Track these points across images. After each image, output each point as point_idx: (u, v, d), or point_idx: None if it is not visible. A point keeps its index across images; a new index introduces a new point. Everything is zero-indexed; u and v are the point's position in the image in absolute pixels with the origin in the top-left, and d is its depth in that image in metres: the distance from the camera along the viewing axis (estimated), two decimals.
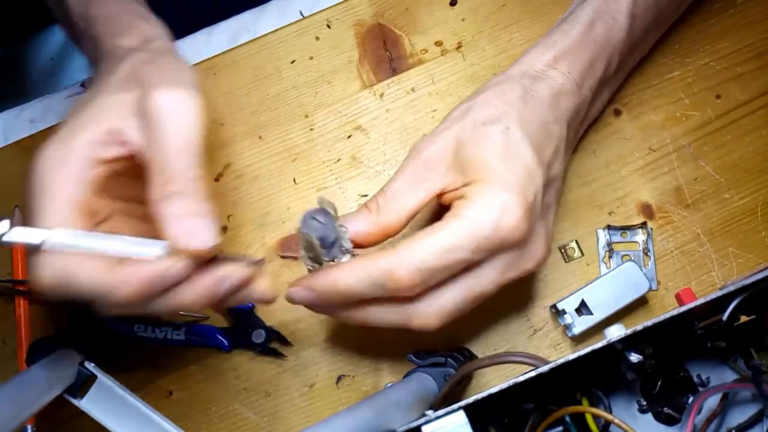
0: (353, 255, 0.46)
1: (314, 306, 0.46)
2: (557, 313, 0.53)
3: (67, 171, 0.41)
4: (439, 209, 0.50)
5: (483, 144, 0.46)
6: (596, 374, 0.44)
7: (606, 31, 0.51)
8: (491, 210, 0.44)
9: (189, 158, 0.41)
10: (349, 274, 0.44)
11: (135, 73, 0.44)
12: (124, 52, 0.46)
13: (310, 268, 0.46)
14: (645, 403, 0.48)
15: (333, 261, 0.46)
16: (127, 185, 0.44)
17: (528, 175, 0.46)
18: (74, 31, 0.52)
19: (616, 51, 0.51)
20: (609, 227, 0.55)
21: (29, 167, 0.41)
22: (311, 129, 0.58)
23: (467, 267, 0.45)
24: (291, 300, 0.46)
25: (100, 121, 0.42)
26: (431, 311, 0.45)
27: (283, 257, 0.56)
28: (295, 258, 0.55)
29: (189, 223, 0.40)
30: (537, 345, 0.54)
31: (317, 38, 0.60)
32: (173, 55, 0.47)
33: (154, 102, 0.41)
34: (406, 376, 0.48)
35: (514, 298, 0.54)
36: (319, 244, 0.45)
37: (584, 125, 0.54)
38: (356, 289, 0.44)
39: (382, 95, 0.59)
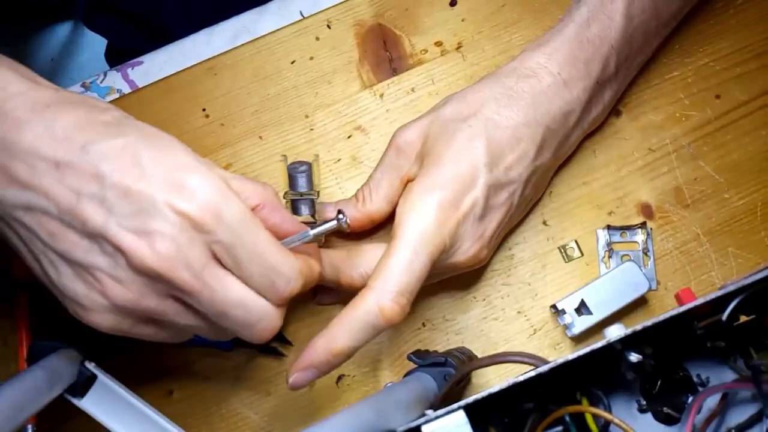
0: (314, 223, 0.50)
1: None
2: (557, 312, 0.53)
3: None
4: None
5: (442, 139, 0.49)
6: (596, 374, 0.44)
7: (601, 30, 0.51)
8: (425, 211, 0.47)
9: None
10: (339, 334, 0.45)
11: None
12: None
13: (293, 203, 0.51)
14: (645, 402, 0.48)
15: (306, 213, 0.51)
16: None
17: (471, 174, 0.48)
18: None
19: (613, 51, 0.51)
20: (609, 227, 0.55)
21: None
22: (311, 129, 0.58)
23: None
24: (296, 388, 0.46)
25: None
26: None
27: None
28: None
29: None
30: (537, 345, 0.54)
31: (317, 38, 0.60)
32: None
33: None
34: (405, 375, 0.48)
35: (514, 297, 0.55)
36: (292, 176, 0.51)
37: (580, 129, 0.53)
38: (353, 342, 0.45)
39: (382, 95, 0.59)
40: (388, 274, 0.45)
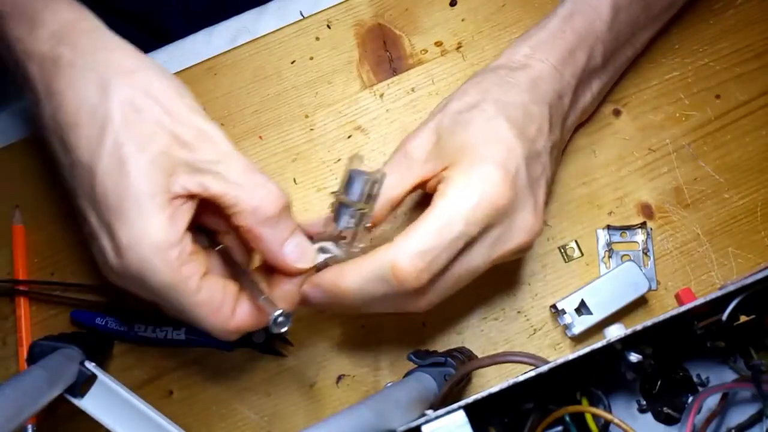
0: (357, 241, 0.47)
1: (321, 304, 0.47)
2: (557, 312, 0.53)
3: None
4: (424, 199, 0.50)
5: (460, 130, 0.48)
6: (596, 374, 0.44)
7: (586, 22, 0.51)
8: (473, 182, 0.45)
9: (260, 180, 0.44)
10: (349, 273, 0.44)
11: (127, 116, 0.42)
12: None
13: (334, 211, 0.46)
14: (645, 402, 0.48)
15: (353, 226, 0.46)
16: None
17: (507, 148, 0.47)
18: None
19: (598, 41, 0.51)
20: (609, 227, 0.55)
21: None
22: (311, 129, 0.58)
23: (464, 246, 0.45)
24: (306, 299, 0.46)
25: (158, 200, 0.42)
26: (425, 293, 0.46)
27: None
28: None
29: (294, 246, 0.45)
30: (537, 345, 0.54)
31: (317, 38, 0.60)
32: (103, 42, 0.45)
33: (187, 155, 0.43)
34: (405, 375, 0.48)
35: (514, 297, 0.55)
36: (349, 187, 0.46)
37: (573, 114, 0.53)
38: (358, 286, 0.44)
39: (382, 95, 0.59)
40: (413, 234, 0.44)
